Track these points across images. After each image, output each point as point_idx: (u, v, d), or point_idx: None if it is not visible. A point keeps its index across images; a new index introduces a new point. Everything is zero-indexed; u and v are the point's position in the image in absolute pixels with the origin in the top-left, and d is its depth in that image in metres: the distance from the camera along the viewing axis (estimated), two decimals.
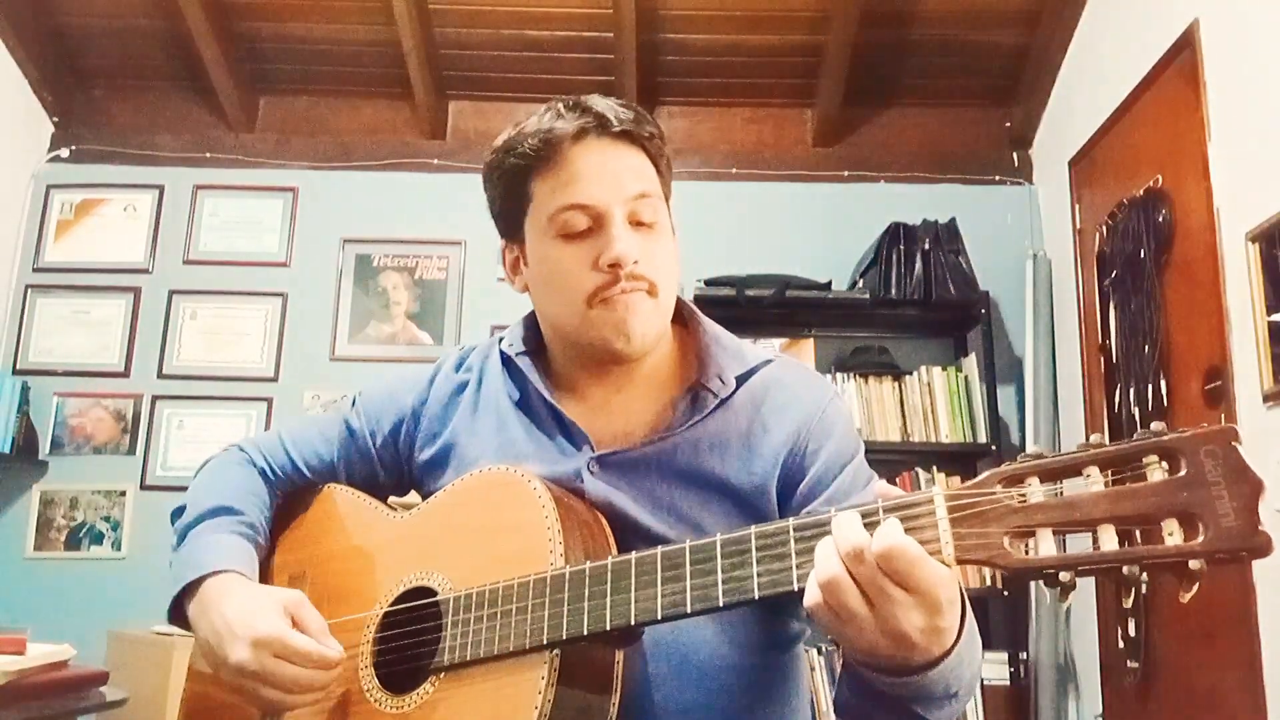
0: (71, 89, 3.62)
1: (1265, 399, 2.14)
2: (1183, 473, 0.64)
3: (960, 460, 3.19)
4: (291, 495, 1.17)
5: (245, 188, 3.56)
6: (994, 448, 3.07)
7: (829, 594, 0.71)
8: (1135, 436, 0.66)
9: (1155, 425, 0.66)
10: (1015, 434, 3.29)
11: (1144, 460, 0.65)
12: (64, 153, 3.58)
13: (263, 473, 1.16)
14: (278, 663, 0.91)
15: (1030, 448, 3.13)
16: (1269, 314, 2.14)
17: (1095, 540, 0.65)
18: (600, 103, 0.98)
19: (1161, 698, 2.54)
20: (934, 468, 3.12)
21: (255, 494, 1.13)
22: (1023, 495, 0.68)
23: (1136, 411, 2.62)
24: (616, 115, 0.97)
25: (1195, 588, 0.62)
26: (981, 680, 2.96)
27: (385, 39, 3.35)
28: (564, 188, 0.96)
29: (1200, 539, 0.62)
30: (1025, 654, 2.99)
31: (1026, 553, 0.68)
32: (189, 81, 3.56)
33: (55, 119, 3.60)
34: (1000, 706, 2.96)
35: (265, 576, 1.14)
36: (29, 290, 3.46)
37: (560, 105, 0.99)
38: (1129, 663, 2.62)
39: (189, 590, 1.00)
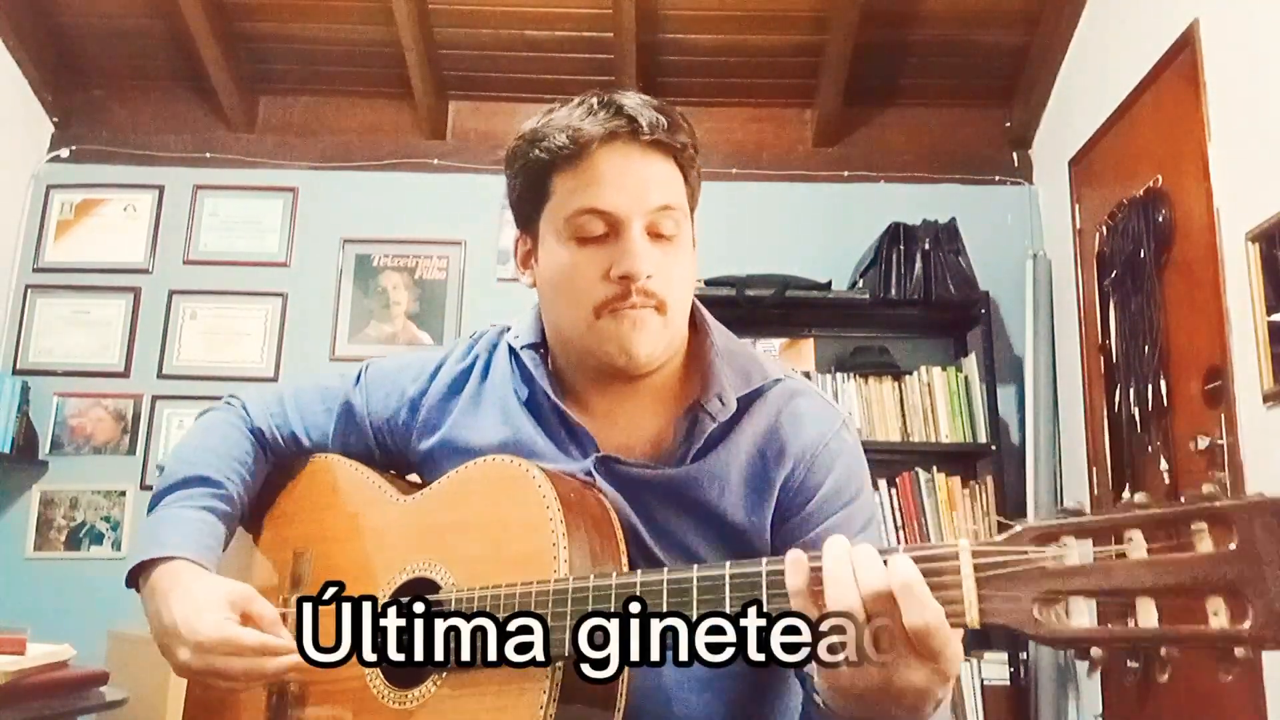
0: (71, 89, 3.62)
1: (1265, 399, 2.14)
2: (1233, 545, 0.58)
3: (960, 460, 3.19)
4: (296, 462, 1.16)
5: (245, 188, 3.56)
6: (994, 448, 3.07)
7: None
8: (1184, 499, 0.60)
9: (1207, 488, 0.60)
10: (1015, 434, 3.29)
11: (1192, 526, 0.60)
12: (64, 153, 3.58)
13: (259, 434, 1.14)
14: (226, 659, 0.92)
15: (1030, 448, 3.14)
16: (1269, 314, 2.14)
17: (1133, 611, 0.60)
18: (635, 104, 0.93)
19: (1161, 698, 2.54)
20: (934, 468, 3.12)
21: (240, 461, 1.11)
22: (1058, 556, 0.63)
23: (1136, 411, 2.62)
24: (649, 121, 0.92)
25: (1235, 671, 0.57)
26: (982, 680, 2.96)
27: (385, 39, 3.35)
28: (584, 189, 0.93)
29: (1248, 623, 0.57)
30: (1025, 654, 2.98)
31: (1056, 619, 0.62)
32: (189, 81, 3.56)
33: (55, 119, 3.59)
34: (1000, 706, 2.96)
35: (266, 547, 1.14)
36: (29, 290, 3.46)
37: (594, 100, 0.94)
38: (1129, 663, 2.62)
39: (143, 568, 1.00)
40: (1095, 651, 0.61)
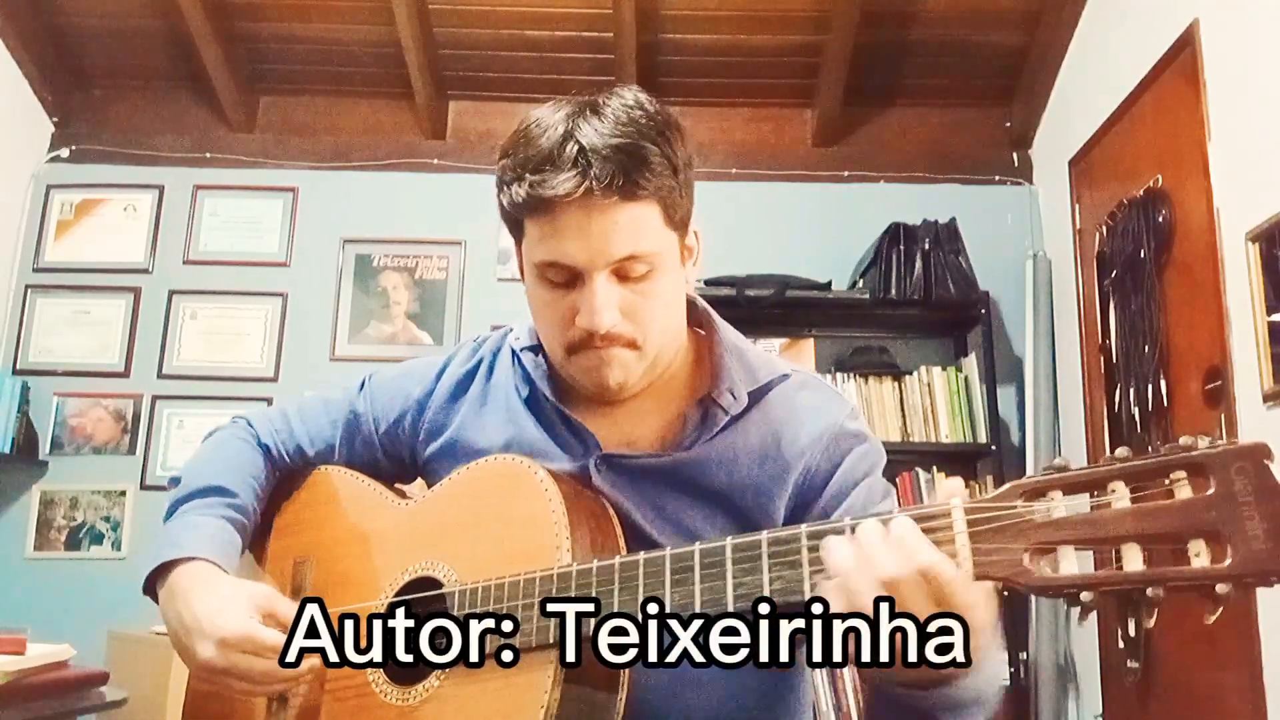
0: (71, 89, 3.61)
1: (1265, 399, 2.14)
2: (1211, 490, 0.61)
3: (960, 460, 3.19)
4: (296, 475, 1.17)
5: (245, 188, 3.56)
6: (994, 448, 3.07)
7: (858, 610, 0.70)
8: (1164, 450, 0.63)
9: (1184, 440, 0.63)
10: (1015, 434, 3.29)
11: (1171, 476, 0.63)
12: (64, 153, 3.58)
13: (266, 450, 1.16)
14: (247, 658, 0.93)
15: (1030, 448, 3.14)
16: (1269, 314, 2.14)
17: (1118, 558, 0.63)
18: (603, 144, 0.88)
19: (1161, 698, 2.54)
20: (934, 468, 3.12)
21: (253, 474, 1.13)
22: (1045, 510, 0.66)
23: (1136, 411, 2.62)
24: (609, 178, 0.87)
25: (1220, 610, 0.60)
26: None
27: (385, 39, 3.35)
28: (546, 240, 0.92)
29: (1228, 561, 0.60)
30: (1025, 654, 2.99)
31: (1047, 569, 0.65)
32: (189, 81, 3.55)
33: (55, 119, 3.59)
34: (1000, 706, 2.95)
35: (268, 560, 1.14)
36: (29, 290, 3.46)
37: (560, 130, 0.90)
38: (1129, 663, 2.62)
39: (161, 572, 1.01)
40: (1085, 596, 0.64)
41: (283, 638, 0.93)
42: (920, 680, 0.73)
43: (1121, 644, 2.67)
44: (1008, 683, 0.75)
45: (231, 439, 1.17)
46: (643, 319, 0.94)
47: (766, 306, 3.15)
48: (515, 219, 0.96)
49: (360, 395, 1.17)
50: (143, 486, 3.30)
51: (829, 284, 3.25)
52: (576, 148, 0.89)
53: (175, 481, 1.12)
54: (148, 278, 3.47)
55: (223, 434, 1.19)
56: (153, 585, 1.03)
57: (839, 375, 3.18)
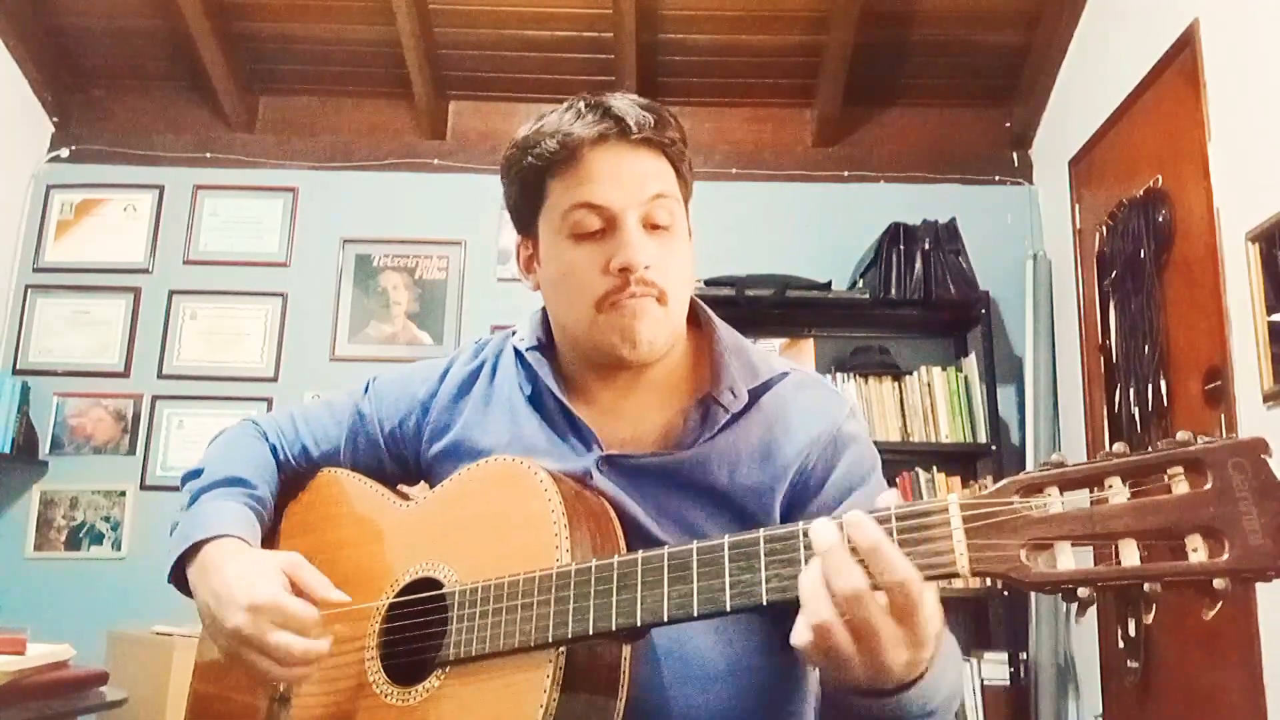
0: (71, 89, 3.62)
1: (1265, 399, 2.14)
2: (1208, 486, 0.61)
3: (960, 460, 3.19)
4: (299, 478, 1.17)
5: (245, 188, 3.56)
6: (994, 448, 3.07)
7: (820, 636, 0.70)
8: (1161, 445, 0.63)
9: (1181, 435, 0.63)
10: (1015, 434, 3.29)
11: (1168, 472, 0.62)
12: (64, 153, 3.58)
13: (273, 450, 1.17)
14: (276, 630, 0.91)
15: (1030, 448, 3.14)
16: (1269, 314, 2.14)
17: (1115, 554, 0.63)
18: (622, 105, 0.96)
19: (1161, 698, 2.54)
20: (934, 468, 3.12)
21: (267, 470, 1.14)
22: (1042, 505, 0.65)
23: (1136, 411, 2.62)
24: (638, 121, 0.95)
25: (1219, 606, 0.60)
26: (982, 680, 2.96)
27: (385, 39, 3.35)
28: (578, 186, 0.95)
29: (1225, 556, 0.59)
30: (1025, 654, 2.99)
31: (1043, 564, 0.65)
32: (189, 81, 3.56)
33: (55, 119, 3.60)
34: (1000, 706, 2.96)
35: None
36: (29, 290, 3.46)
37: (581, 104, 0.97)
38: (1129, 663, 2.62)
39: (190, 554, 1.01)
40: (1082, 591, 0.63)
41: (311, 610, 0.93)
42: (869, 689, 0.73)
43: (1121, 644, 2.67)
44: (960, 699, 0.75)
45: (245, 437, 1.18)
46: (669, 269, 0.97)
47: (766, 306, 3.15)
48: (535, 187, 0.99)
49: (365, 397, 1.18)
50: (143, 486, 3.29)
51: (829, 284, 3.26)
52: (601, 107, 0.96)
53: (192, 475, 1.12)
54: (148, 278, 3.48)
55: (234, 433, 1.19)
56: (180, 571, 1.03)
57: (839, 375, 3.18)
